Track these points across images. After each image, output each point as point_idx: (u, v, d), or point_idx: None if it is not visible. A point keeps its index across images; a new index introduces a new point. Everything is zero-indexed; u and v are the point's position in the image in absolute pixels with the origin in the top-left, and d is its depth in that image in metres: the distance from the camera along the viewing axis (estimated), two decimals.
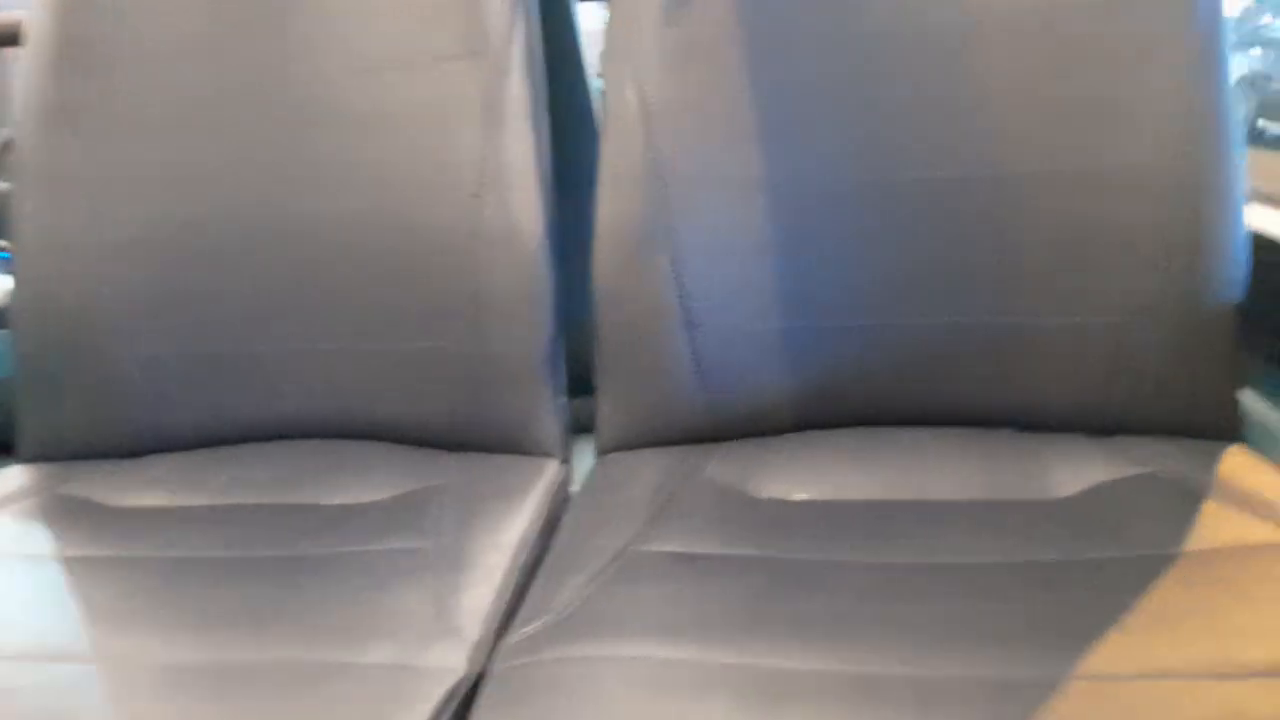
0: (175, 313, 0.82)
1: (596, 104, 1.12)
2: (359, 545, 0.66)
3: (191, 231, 0.82)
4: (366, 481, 0.76)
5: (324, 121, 0.81)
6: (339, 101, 0.81)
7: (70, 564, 0.66)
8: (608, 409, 0.80)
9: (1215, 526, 0.61)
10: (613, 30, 0.79)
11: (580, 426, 0.84)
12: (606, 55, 0.79)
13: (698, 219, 0.76)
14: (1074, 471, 0.69)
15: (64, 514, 0.74)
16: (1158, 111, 0.71)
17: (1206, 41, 0.72)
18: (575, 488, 0.80)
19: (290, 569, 0.64)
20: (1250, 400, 0.77)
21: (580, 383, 0.84)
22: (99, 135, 0.82)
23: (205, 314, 0.82)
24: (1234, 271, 0.71)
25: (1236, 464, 0.68)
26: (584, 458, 0.83)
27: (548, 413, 0.79)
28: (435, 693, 0.51)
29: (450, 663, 0.53)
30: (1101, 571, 0.57)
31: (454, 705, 0.51)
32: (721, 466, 0.74)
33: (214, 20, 0.83)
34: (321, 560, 0.64)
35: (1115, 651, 0.49)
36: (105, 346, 0.83)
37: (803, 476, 0.72)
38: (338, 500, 0.74)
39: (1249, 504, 0.62)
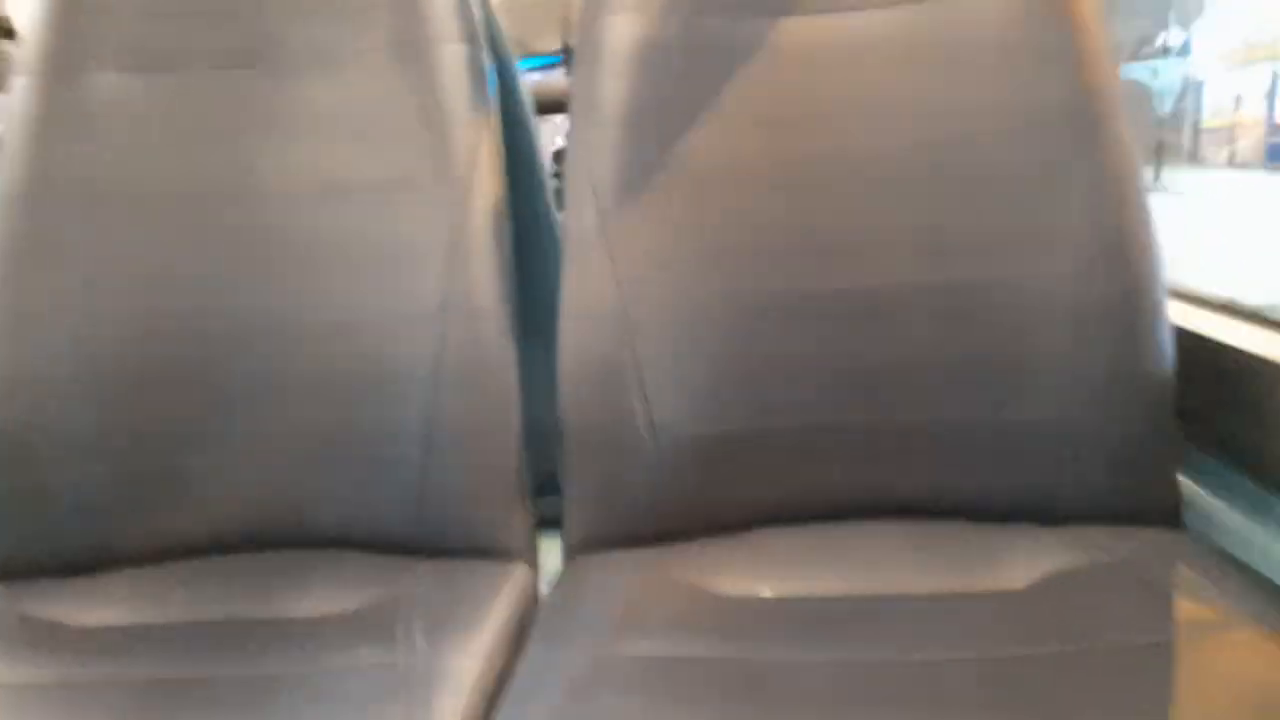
0: (124, 422, 0.82)
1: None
2: (328, 662, 0.66)
3: (142, 338, 0.82)
4: (332, 592, 0.76)
5: (284, 243, 0.83)
6: (300, 222, 0.83)
7: (34, 690, 0.65)
8: (575, 511, 0.81)
9: (1167, 614, 0.63)
10: (574, 156, 0.83)
11: (550, 524, 0.85)
12: (568, 182, 0.83)
13: (658, 326, 0.79)
14: (1027, 562, 0.71)
15: (24, 635, 0.73)
16: (1081, 221, 0.77)
17: (1122, 151, 0.78)
18: (543, 587, 0.80)
19: (257, 690, 0.63)
20: (1189, 487, 0.81)
21: (550, 482, 0.85)
22: (52, 255, 0.83)
23: (157, 423, 0.82)
24: (1163, 362, 0.76)
25: (1182, 551, 0.72)
26: (554, 556, 0.84)
27: (515, 517, 0.80)
28: None
29: None
30: (1061, 665, 0.59)
31: None
32: (687, 566, 0.75)
33: (179, 142, 0.85)
34: (290, 680, 0.64)
35: None
36: (47, 452, 0.82)
37: (767, 573, 0.74)
38: (303, 613, 0.73)
39: (1197, 591, 0.65)
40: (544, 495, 0.84)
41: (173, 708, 0.62)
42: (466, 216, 0.81)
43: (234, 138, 0.85)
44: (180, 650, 0.69)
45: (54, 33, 0.86)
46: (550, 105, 1.45)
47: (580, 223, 0.81)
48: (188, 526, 0.84)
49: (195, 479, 0.83)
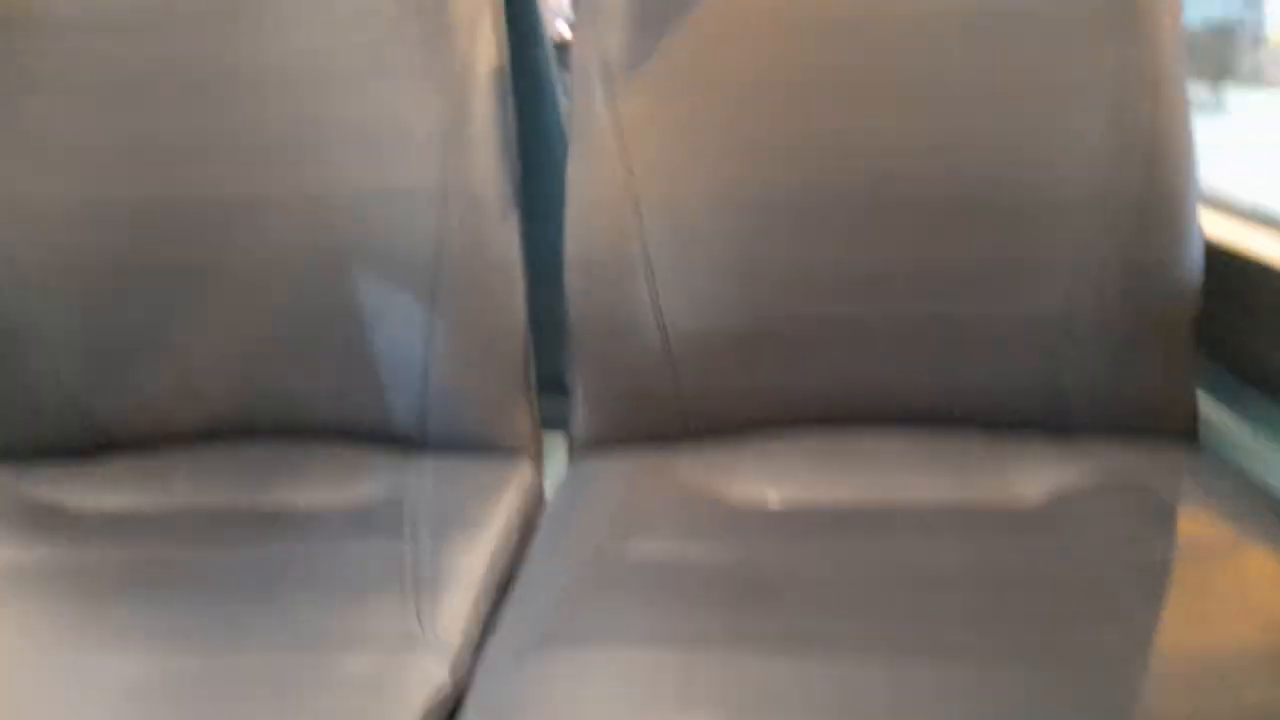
0: (104, 296, 0.80)
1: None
2: (333, 551, 0.65)
3: (121, 210, 0.79)
4: (335, 483, 0.75)
5: (279, 104, 0.78)
6: (295, 84, 0.78)
7: (38, 572, 0.64)
8: (581, 408, 0.80)
9: (1174, 532, 0.63)
10: (581, 30, 0.78)
11: (549, 423, 0.84)
12: (575, 65, 0.78)
13: (668, 222, 0.76)
14: (1037, 477, 0.70)
15: (28, 519, 0.72)
16: (1115, 107, 0.73)
17: (1166, 37, 0.73)
18: (548, 486, 0.80)
19: (264, 576, 0.63)
20: (1207, 405, 0.80)
21: (550, 379, 0.84)
22: (25, 120, 0.79)
23: (140, 298, 0.80)
24: (1189, 277, 0.73)
25: (1195, 470, 0.71)
26: (555, 453, 0.83)
27: (520, 411, 0.79)
28: (416, 704, 0.51)
29: (432, 674, 0.53)
30: (1064, 580, 0.58)
31: (436, 717, 0.51)
32: (694, 468, 0.74)
33: (159, 22, 0.79)
34: (296, 567, 0.63)
35: (1084, 657, 0.51)
36: (31, 335, 0.80)
37: (774, 477, 0.73)
38: (307, 502, 0.73)
39: (1208, 512, 0.64)
40: (547, 392, 0.83)
41: (174, 591, 0.62)
42: (467, 94, 0.77)
43: (223, 16, 0.79)
44: (181, 535, 0.69)
45: None
46: None
47: (588, 104, 0.77)
48: (184, 413, 0.83)
49: (190, 364, 0.81)
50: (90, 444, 0.82)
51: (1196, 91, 0.75)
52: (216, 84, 0.78)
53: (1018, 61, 0.74)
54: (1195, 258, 0.73)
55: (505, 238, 0.77)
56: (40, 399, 0.81)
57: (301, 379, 0.81)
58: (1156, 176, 0.73)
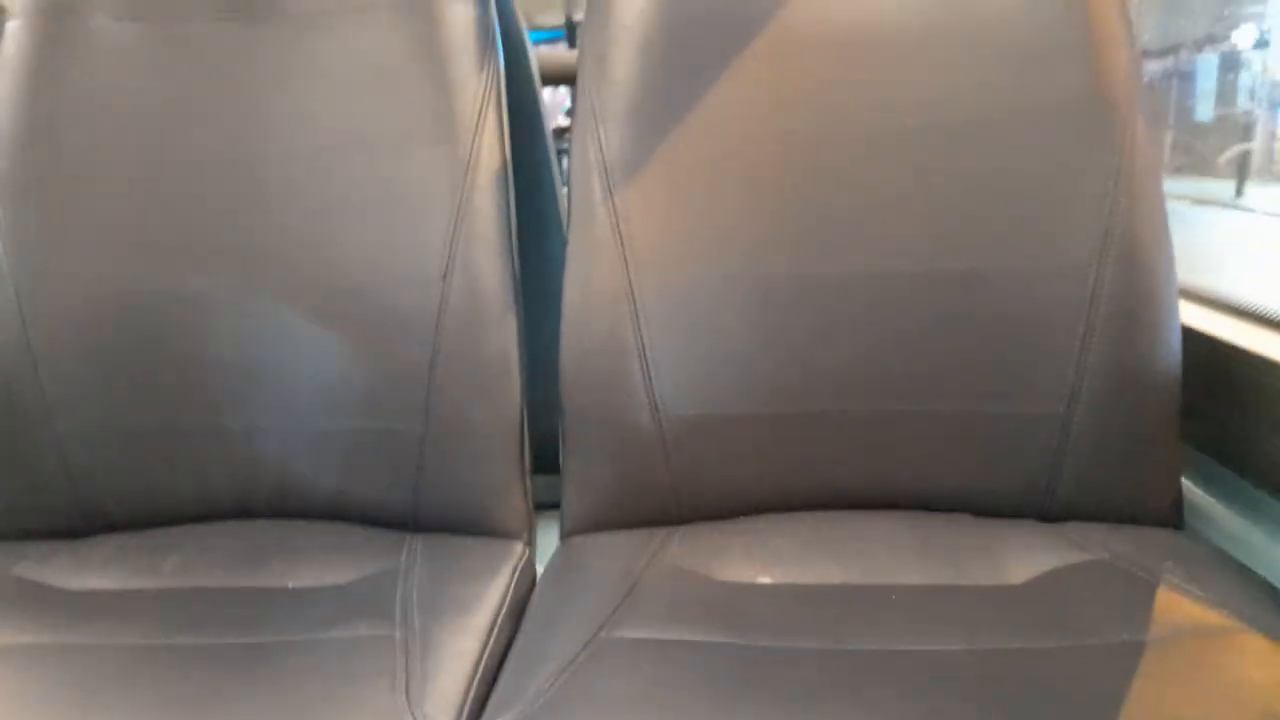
0: (118, 383, 0.81)
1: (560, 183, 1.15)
2: (324, 632, 0.65)
3: (140, 299, 0.81)
4: (327, 563, 0.75)
5: (288, 198, 0.81)
6: (305, 178, 0.81)
7: (27, 652, 0.64)
8: (573, 491, 0.80)
9: (1163, 614, 0.63)
10: (580, 122, 0.81)
11: (541, 503, 0.84)
12: (573, 147, 0.81)
13: (664, 305, 0.78)
14: (1026, 558, 0.71)
15: (18, 599, 0.72)
16: (1095, 209, 0.76)
17: (1140, 143, 0.77)
18: (540, 568, 0.80)
19: (254, 657, 0.62)
20: (1190, 488, 0.81)
21: (543, 459, 0.84)
22: (51, 205, 0.82)
23: (154, 389, 0.81)
24: (1171, 370, 0.76)
25: (1181, 551, 0.71)
26: (547, 535, 0.83)
27: (513, 494, 0.80)
28: None
29: None
30: (1055, 660, 0.58)
31: None
32: (685, 550, 0.75)
33: (180, 93, 0.83)
34: (286, 648, 0.63)
35: None
36: (41, 417, 0.81)
37: (765, 560, 0.73)
38: (298, 583, 0.72)
39: (1194, 591, 0.65)
40: (541, 473, 0.84)
41: (165, 672, 0.61)
42: (470, 180, 0.80)
43: (235, 89, 0.83)
44: (173, 616, 0.68)
45: None
46: (553, 77, 1.43)
47: (586, 193, 0.80)
48: (181, 492, 0.83)
49: (189, 443, 0.82)
50: (85, 524, 0.82)
51: (1215, 188, 0.78)
52: (233, 177, 0.81)
53: (1003, 169, 0.78)
54: (1175, 351, 0.75)
55: (503, 326, 0.79)
56: (41, 479, 0.82)
57: (300, 463, 0.81)
58: (1135, 276, 0.75)
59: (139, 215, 0.82)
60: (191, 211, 0.82)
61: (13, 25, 0.83)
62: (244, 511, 0.83)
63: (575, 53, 0.87)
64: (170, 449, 0.82)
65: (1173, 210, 0.78)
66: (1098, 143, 0.77)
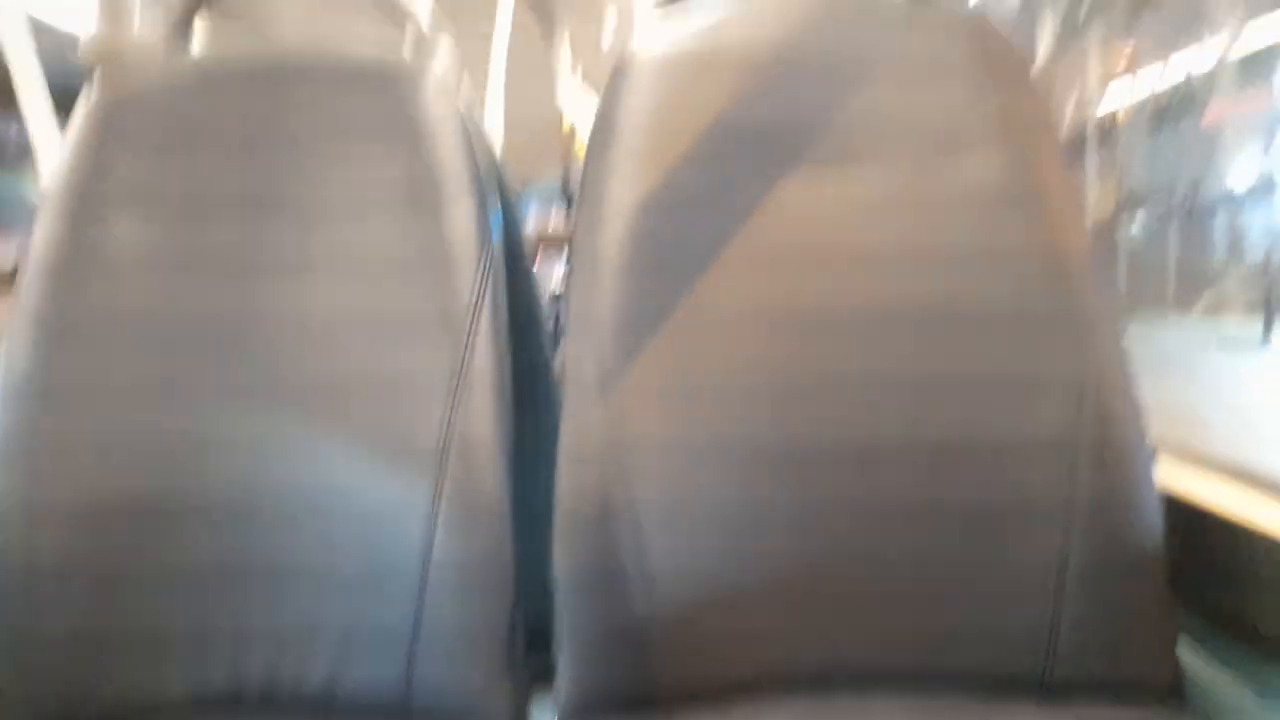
0: (108, 586, 0.81)
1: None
2: None
3: (136, 501, 0.82)
4: None
5: (287, 391, 0.83)
6: (304, 373, 0.84)
7: None
8: (567, 672, 0.79)
9: None
10: (572, 301, 0.85)
11: (539, 676, 0.83)
12: (568, 327, 0.84)
13: (655, 486, 0.80)
14: None
15: None
16: (1062, 382, 0.79)
17: (1102, 313, 0.80)
18: None
19: None
20: (1188, 657, 0.80)
21: (539, 635, 0.83)
22: (50, 405, 0.84)
23: (142, 587, 0.81)
24: (1152, 530, 0.76)
25: None
26: (541, 710, 0.81)
27: (506, 684, 0.78)
28: None
29: None
30: None
31: None
32: None
33: (180, 284, 0.86)
34: None
35: None
36: (33, 616, 0.81)
37: None
38: None
39: None
40: (536, 649, 0.83)
41: None
42: (468, 361, 0.82)
43: (247, 281, 0.86)
44: None
45: (75, 174, 0.89)
46: (556, 244, 1.49)
47: (578, 369, 0.82)
48: (165, 681, 0.82)
49: (175, 633, 0.81)
50: (63, 714, 0.80)
51: (1237, 328, 0.81)
52: (236, 381, 0.84)
53: (973, 353, 0.81)
54: (1155, 515, 0.76)
55: (499, 496, 0.80)
56: (26, 688, 0.80)
57: (287, 647, 0.81)
58: (1115, 431, 0.77)
59: (140, 417, 0.83)
60: (193, 410, 0.83)
61: (41, 225, 0.88)
62: (231, 699, 0.82)
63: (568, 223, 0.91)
64: (152, 641, 0.81)
65: (1198, 357, 0.81)
66: (1061, 319, 0.80)
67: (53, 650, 0.81)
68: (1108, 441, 0.77)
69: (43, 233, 0.88)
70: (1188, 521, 0.80)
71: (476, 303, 0.84)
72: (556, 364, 1.20)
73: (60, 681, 0.81)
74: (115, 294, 0.87)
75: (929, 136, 0.86)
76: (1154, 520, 0.76)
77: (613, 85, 0.89)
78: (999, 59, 0.88)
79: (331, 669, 0.80)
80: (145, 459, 0.83)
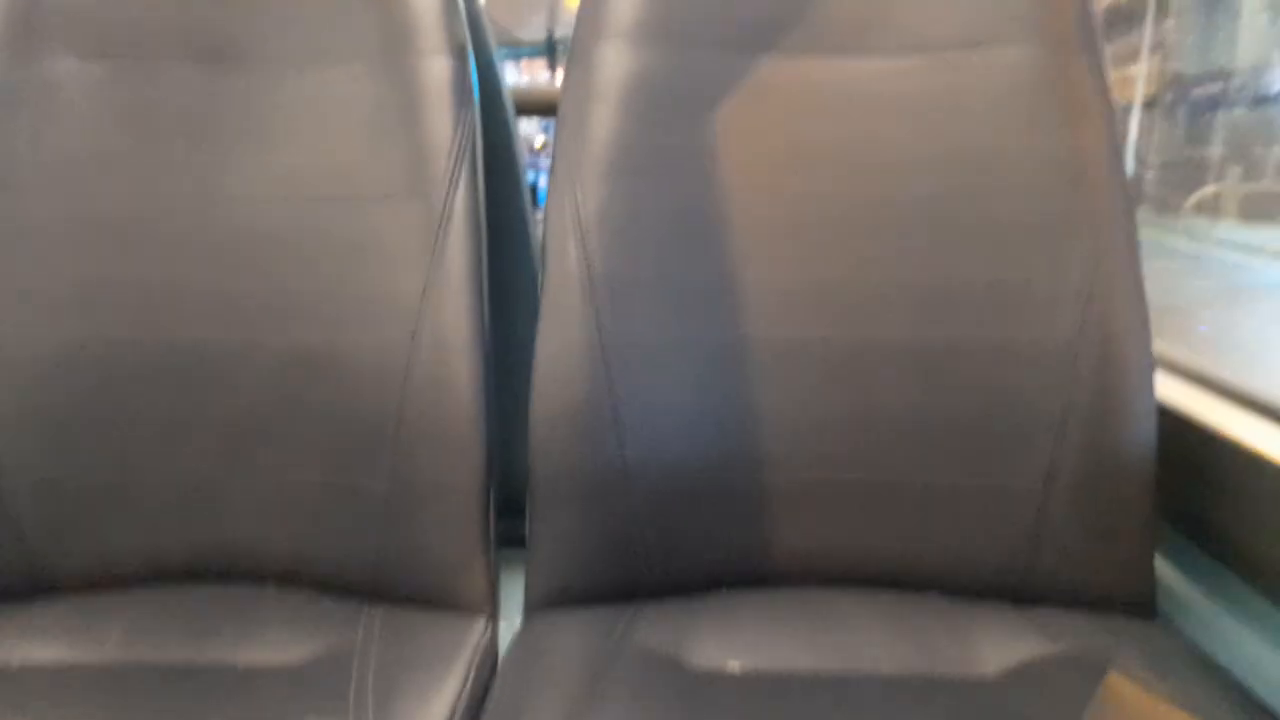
0: (68, 440, 0.78)
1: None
2: (273, 717, 0.62)
3: (93, 354, 0.78)
4: (279, 638, 0.72)
5: (253, 248, 0.79)
6: (271, 230, 0.79)
7: None
8: (538, 565, 0.78)
9: (1130, 714, 0.62)
10: (557, 182, 0.79)
11: (506, 565, 0.82)
12: (549, 217, 0.79)
13: (638, 370, 0.76)
14: (1000, 647, 0.70)
15: None
16: (1070, 290, 0.75)
17: (1118, 221, 0.76)
18: (503, 636, 0.77)
19: None
20: (1164, 570, 0.80)
21: (509, 533, 0.82)
22: (3, 255, 0.78)
23: (103, 442, 0.78)
24: (1145, 445, 0.75)
25: (1152, 644, 0.71)
26: (511, 600, 0.81)
27: (477, 568, 0.77)
28: None
29: None
30: None
31: None
32: (652, 631, 0.73)
33: (140, 137, 0.80)
34: None
35: None
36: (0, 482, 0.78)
37: (734, 643, 0.71)
38: (249, 659, 0.70)
39: (1163, 690, 0.64)
40: (506, 545, 0.81)
41: None
42: (443, 238, 0.77)
43: (200, 138, 0.80)
44: (111, 699, 0.65)
45: (12, 11, 0.81)
46: (530, 109, 1.41)
47: (562, 255, 0.77)
48: (131, 550, 0.80)
49: (139, 500, 0.79)
50: (29, 586, 0.79)
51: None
52: (198, 234, 0.79)
53: (984, 245, 0.77)
54: (1150, 432, 0.74)
55: (471, 390, 0.77)
56: None
57: (255, 527, 0.78)
58: (1112, 354, 0.75)
59: (96, 266, 0.78)
60: (151, 261, 0.78)
61: None
62: (196, 571, 0.80)
63: (545, 87, 0.85)
64: (118, 506, 0.79)
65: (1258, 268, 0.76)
66: (1075, 225, 0.76)
67: (9, 517, 0.78)
68: (1109, 353, 0.74)
69: None
70: (1180, 436, 0.79)
71: (452, 179, 0.78)
72: (535, 241, 1.15)
73: (18, 549, 0.78)
74: (56, 144, 0.79)
75: (954, 30, 0.79)
76: (1148, 435, 0.74)
77: None
78: None
79: (298, 541, 0.78)
80: (104, 309, 0.78)
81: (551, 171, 0.80)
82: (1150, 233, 0.84)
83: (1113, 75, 0.81)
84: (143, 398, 0.78)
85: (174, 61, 0.81)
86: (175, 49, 0.81)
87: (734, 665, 0.69)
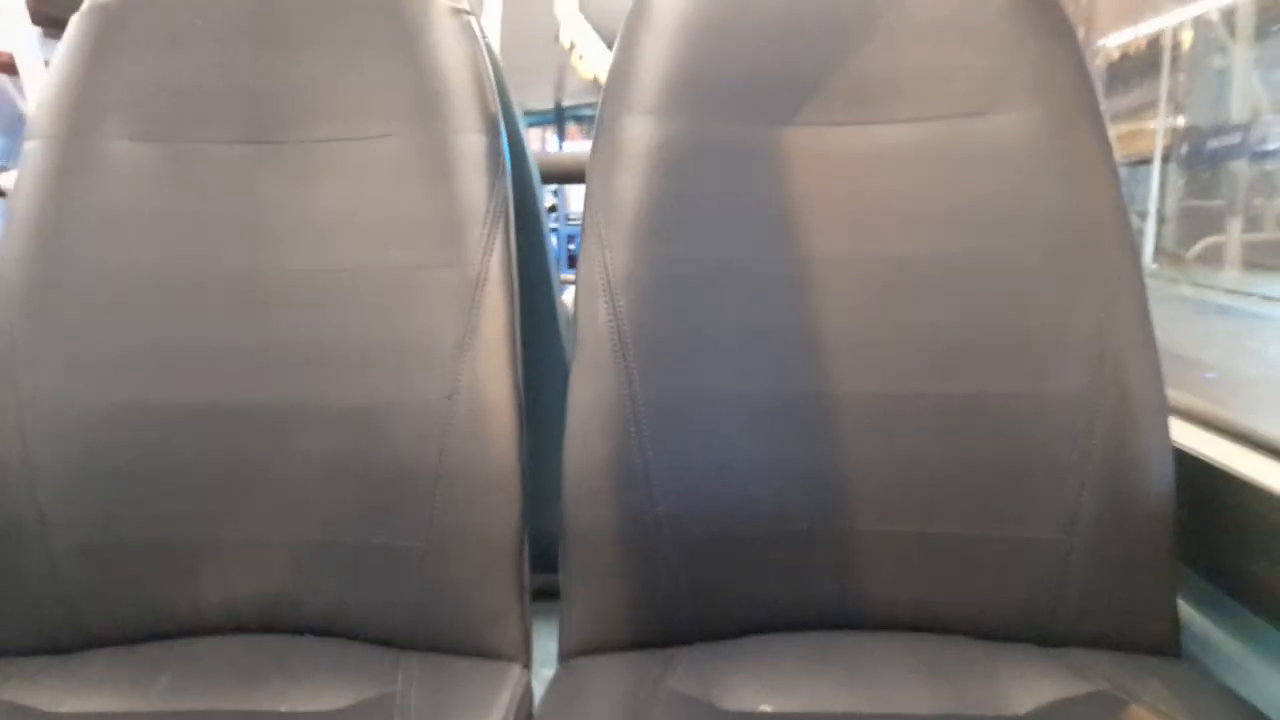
0: (115, 500, 0.80)
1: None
2: None
3: (141, 415, 0.81)
4: (322, 685, 0.74)
5: (296, 312, 0.82)
6: (313, 295, 0.82)
7: None
8: (573, 611, 0.80)
9: None
10: (588, 247, 0.83)
11: (541, 613, 0.83)
12: (582, 272, 0.83)
13: (667, 424, 0.79)
14: (1028, 686, 0.71)
15: None
16: (1083, 343, 0.78)
17: (1126, 275, 0.79)
18: (537, 683, 0.78)
19: None
20: (1192, 617, 0.82)
21: (541, 566, 0.84)
22: (59, 319, 0.82)
23: (149, 500, 0.81)
24: (1164, 490, 0.77)
25: (1179, 681, 0.72)
26: (546, 646, 0.82)
27: (512, 615, 0.79)
28: None
29: None
30: None
31: None
32: (686, 676, 0.74)
33: (191, 210, 0.84)
34: None
35: None
36: (35, 531, 0.80)
37: (767, 685, 0.73)
38: (291, 706, 0.71)
39: None
40: (540, 596, 0.83)
41: None
42: (478, 306, 0.81)
43: (246, 207, 0.84)
44: None
45: (67, 96, 0.85)
46: (551, 178, 1.46)
47: (591, 313, 0.81)
48: (172, 605, 0.82)
49: (182, 556, 0.81)
50: (74, 640, 0.80)
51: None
52: (243, 298, 0.82)
53: (999, 298, 0.80)
54: (1168, 476, 0.76)
55: (507, 446, 0.79)
56: (31, 594, 0.80)
57: (295, 581, 0.80)
58: (1127, 402, 0.77)
59: (145, 329, 0.82)
60: (196, 325, 0.82)
61: (31, 145, 0.84)
62: (236, 625, 0.82)
63: (568, 154, 0.89)
64: (163, 563, 0.81)
65: None
66: (1086, 281, 0.79)
67: (54, 572, 0.80)
68: (1125, 402, 0.77)
69: (36, 143, 0.84)
70: (1198, 481, 0.81)
71: (487, 249, 0.82)
72: (559, 299, 1.18)
73: (62, 605, 0.80)
74: (109, 224, 0.83)
75: (960, 95, 0.83)
76: (1166, 481, 0.76)
77: (630, 26, 0.86)
78: (1038, 10, 0.84)
79: (337, 594, 0.80)
80: (151, 371, 0.81)
81: (582, 235, 0.84)
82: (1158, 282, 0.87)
83: (1124, 129, 0.85)
84: (188, 457, 0.81)
85: (223, 141, 0.85)
86: (225, 128, 0.85)
87: (766, 708, 0.70)
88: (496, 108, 0.87)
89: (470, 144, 0.83)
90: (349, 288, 0.82)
